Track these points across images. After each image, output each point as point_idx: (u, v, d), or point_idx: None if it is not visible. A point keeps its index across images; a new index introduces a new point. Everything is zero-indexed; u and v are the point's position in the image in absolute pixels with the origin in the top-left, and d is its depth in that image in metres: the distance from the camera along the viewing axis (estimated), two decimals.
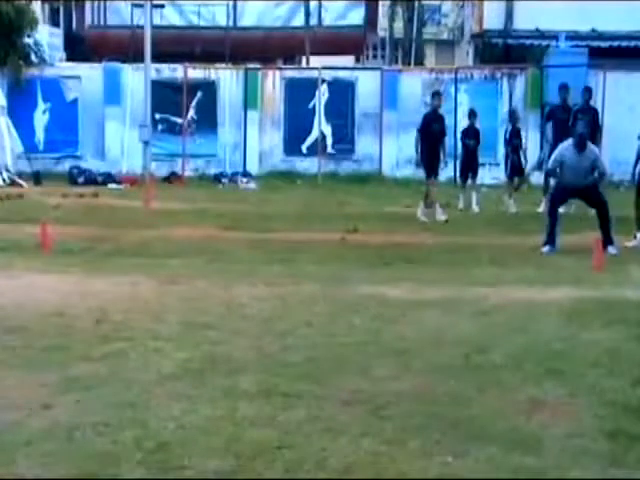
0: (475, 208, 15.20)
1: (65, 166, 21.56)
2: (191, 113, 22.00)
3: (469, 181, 15.64)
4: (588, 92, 15.11)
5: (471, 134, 15.69)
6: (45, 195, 16.11)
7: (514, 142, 15.65)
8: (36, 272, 8.21)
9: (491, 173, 19.00)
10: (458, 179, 16.44)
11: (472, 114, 15.93)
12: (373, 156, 22.10)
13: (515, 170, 15.57)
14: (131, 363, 5.14)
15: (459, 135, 16.39)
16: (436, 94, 14.99)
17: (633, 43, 23.53)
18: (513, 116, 16.33)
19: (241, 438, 3.96)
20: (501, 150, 16.35)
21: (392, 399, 4.51)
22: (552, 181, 12.95)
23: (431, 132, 13.88)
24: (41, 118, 22.21)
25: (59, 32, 27.46)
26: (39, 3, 25.08)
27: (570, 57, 20.91)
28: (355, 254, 9.90)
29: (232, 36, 25.74)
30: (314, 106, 21.97)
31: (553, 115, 15.13)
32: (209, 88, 22.08)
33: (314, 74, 22.21)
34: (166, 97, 21.68)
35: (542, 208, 14.86)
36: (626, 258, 9.43)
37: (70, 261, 9.10)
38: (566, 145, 10.74)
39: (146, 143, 19.24)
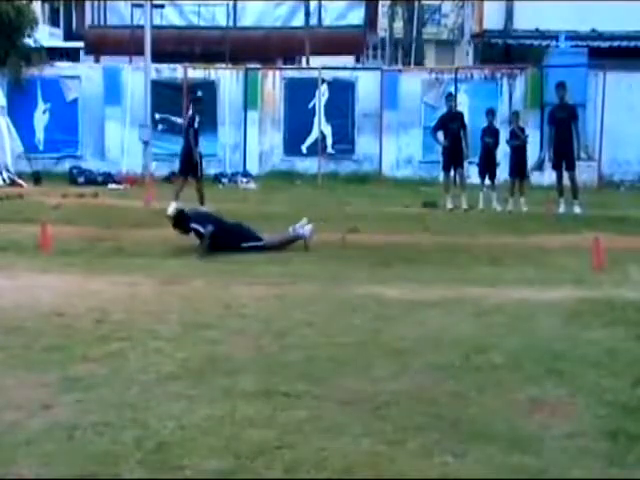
0: (497, 207, 15.33)
1: (65, 166, 21.59)
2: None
3: (487, 181, 15.69)
4: (562, 88, 14.97)
5: (490, 133, 15.80)
6: (45, 195, 16.11)
7: (511, 143, 15.74)
8: (36, 272, 8.21)
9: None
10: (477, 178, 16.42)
11: (490, 113, 16.04)
12: (373, 156, 22.11)
13: (513, 170, 15.63)
14: (131, 363, 5.14)
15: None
16: (450, 95, 16.99)
17: (633, 43, 23.54)
18: (513, 117, 16.42)
19: (241, 438, 3.95)
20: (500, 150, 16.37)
21: (392, 399, 4.51)
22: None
23: (448, 131, 15.59)
24: (41, 118, 22.24)
25: (59, 32, 27.48)
26: (39, 3, 25.11)
27: (570, 57, 20.94)
28: (355, 254, 9.90)
29: (232, 36, 25.74)
30: (314, 106, 21.98)
31: (553, 116, 15.10)
32: (209, 88, 22.08)
33: (314, 74, 22.22)
34: (166, 97, 21.70)
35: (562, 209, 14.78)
36: (626, 258, 9.42)
37: (70, 261, 9.10)
38: None
39: (146, 143, 19.26)
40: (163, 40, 22.98)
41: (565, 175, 14.74)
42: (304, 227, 10.26)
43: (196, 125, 14.38)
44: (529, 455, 3.80)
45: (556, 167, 14.84)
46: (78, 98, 22.20)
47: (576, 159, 14.92)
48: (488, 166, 15.73)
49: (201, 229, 9.92)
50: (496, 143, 15.85)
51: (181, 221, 10.17)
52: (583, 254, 9.49)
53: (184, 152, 14.46)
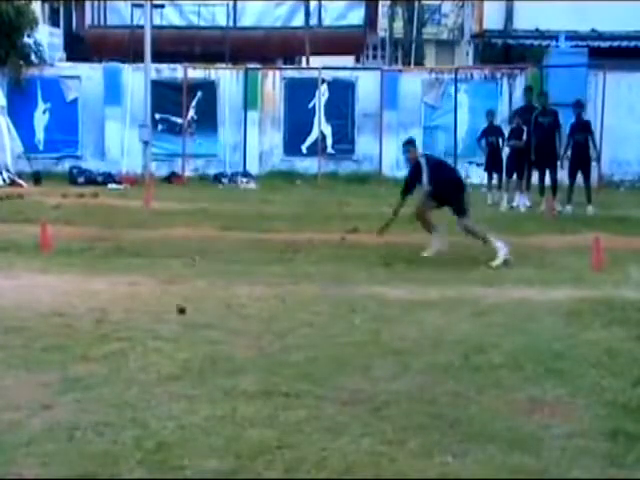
0: (504, 205, 15.36)
1: (65, 166, 21.56)
2: (191, 113, 22.00)
3: (494, 180, 15.76)
4: (544, 96, 15.62)
5: (492, 132, 15.90)
6: (45, 195, 16.11)
7: (511, 143, 15.80)
8: (36, 272, 8.21)
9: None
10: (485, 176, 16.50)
11: (490, 114, 16.35)
12: (373, 156, 22.09)
13: (510, 169, 15.71)
14: (131, 363, 5.14)
15: (460, 135, 16.47)
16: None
17: (633, 43, 23.52)
18: (514, 115, 16.48)
19: (241, 438, 3.96)
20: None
21: (392, 399, 4.51)
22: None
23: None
24: (41, 118, 22.20)
25: (59, 32, 27.46)
26: (39, 3, 25.08)
27: (570, 57, 20.92)
28: (355, 254, 9.90)
29: (232, 36, 25.72)
30: (314, 106, 21.97)
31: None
32: (209, 88, 22.07)
33: (314, 74, 22.20)
34: (166, 97, 21.69)
35: (543, 207, 14.92)
36: (626, 258, 9.42)
37: (70, 261, 9.10)
38: None
39: (146, 143, 19.26)
40: (163, 40, 22.97)
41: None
42: None
43: None
44: (529, 455, 3.81)
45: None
46: (78, 98, 22.19)
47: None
48: (494, 165, 15.86)
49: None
50: (499, 141, 15.97)
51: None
52: (583, 254, 9.49)
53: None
